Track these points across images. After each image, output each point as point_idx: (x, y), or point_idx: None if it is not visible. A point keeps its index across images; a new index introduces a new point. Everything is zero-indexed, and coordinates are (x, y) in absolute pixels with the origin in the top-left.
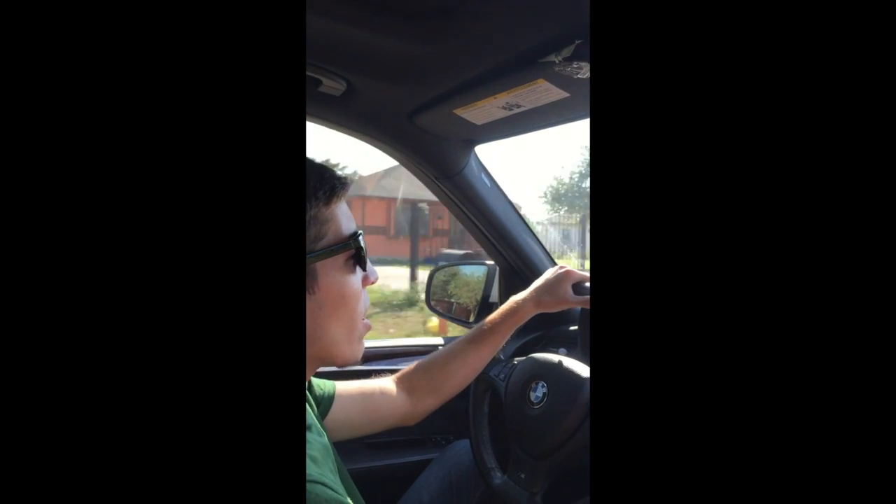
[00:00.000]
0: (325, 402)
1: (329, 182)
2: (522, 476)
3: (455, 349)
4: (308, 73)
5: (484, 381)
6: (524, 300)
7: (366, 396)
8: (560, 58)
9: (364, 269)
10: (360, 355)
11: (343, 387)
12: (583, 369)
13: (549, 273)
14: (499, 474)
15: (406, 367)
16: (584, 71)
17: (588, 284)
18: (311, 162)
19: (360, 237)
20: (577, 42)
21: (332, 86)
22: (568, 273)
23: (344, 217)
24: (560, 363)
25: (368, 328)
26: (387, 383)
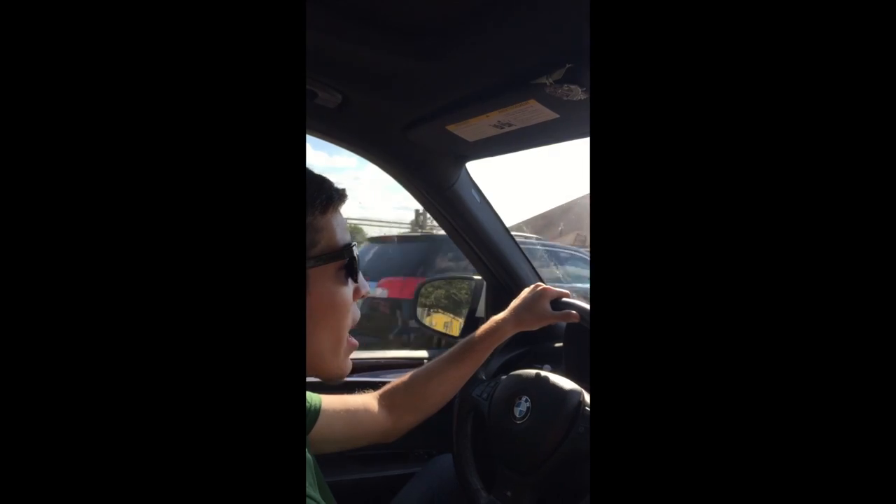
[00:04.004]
0: (310, 416)
1: (327, 192)
2: (508, 494)
3: (435, 367)
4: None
5: (467, 401)
6: (504, 319)
7: (350, 413)
8: (551, 80)
9: (356, 280)
10: (346, 371)
11: (329, 401)
12: (565, 382)
13: (526, 292)
14: (484, 494)
15: (388, 382)
16: (573, 93)
17: (566, 300)
18: (311, 172)
19: (354, 248)
20: (567, 66)
21: (328, 98)
22: (545, 291)
23: (339, 227)
24: (542, 377)
25: (355, 346)
26: (369, 400)
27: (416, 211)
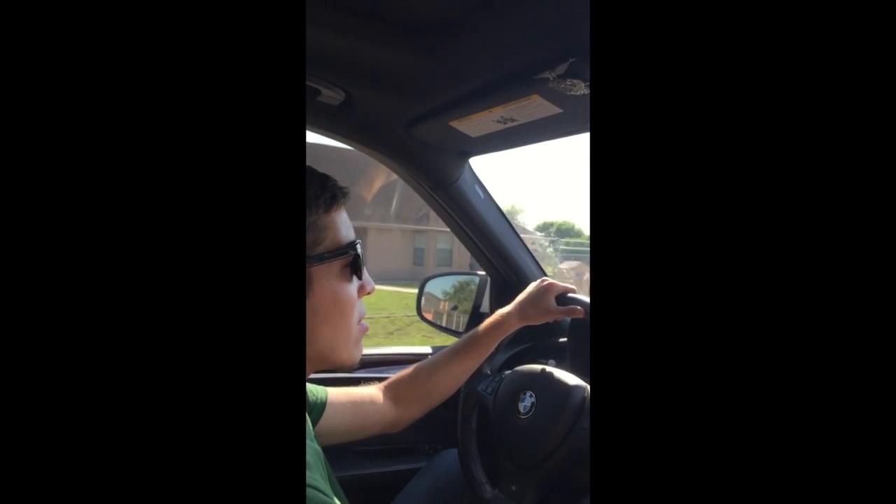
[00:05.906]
0: (317, 409)
1: (330, 190)
2: (513, 488)
3: (440, 360)
4: (308, 82)
5: (472, 396)
6: (508, 314)
7: (356, 404)
8: (554, 75)
9: (360, 277)
10: (357, 358)
11: (335, 394)
12: (569, 377)
13: (532, 286)
14: (489, 488)
15: (393, 375)
16: (576, 88)
17: (571, 295)
18: (314, 171)
19: (358, 246)
20: (570, 60)
21: (331, 95)
22: (551, 285)
23: (343, 225)
24: (547, 372)
25: (365, 330)
26: (375, 392)
27: None
